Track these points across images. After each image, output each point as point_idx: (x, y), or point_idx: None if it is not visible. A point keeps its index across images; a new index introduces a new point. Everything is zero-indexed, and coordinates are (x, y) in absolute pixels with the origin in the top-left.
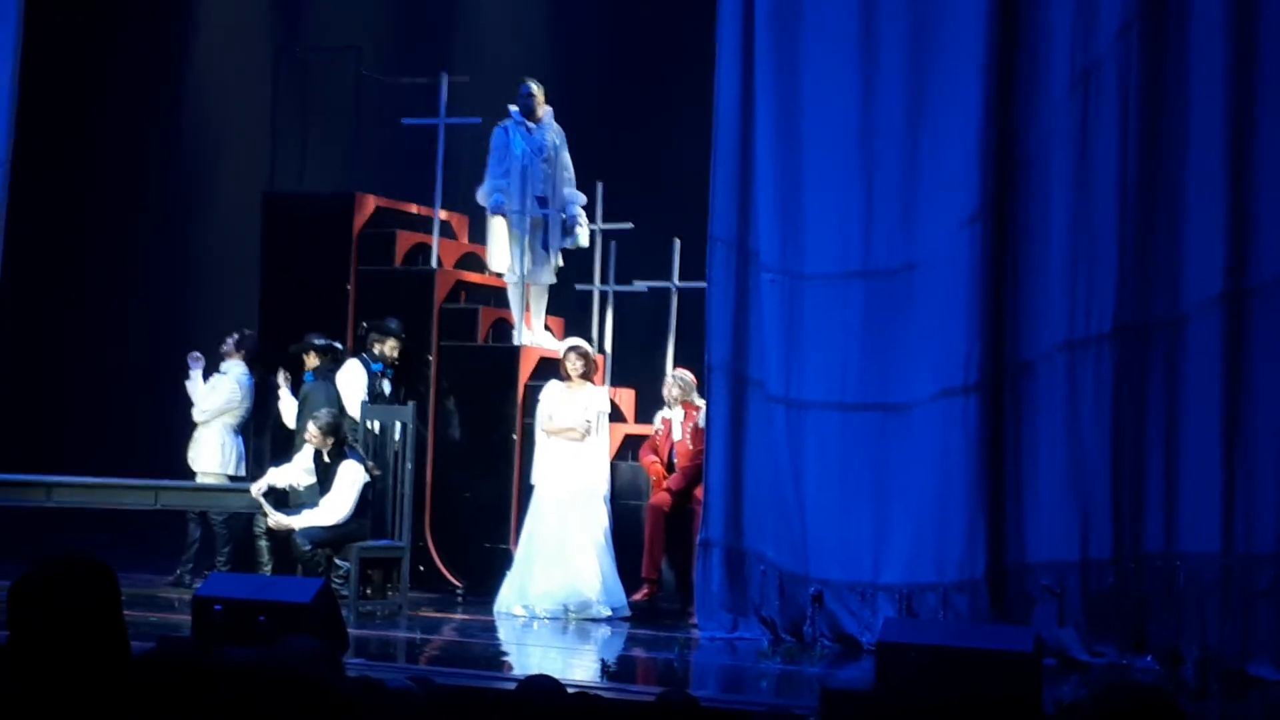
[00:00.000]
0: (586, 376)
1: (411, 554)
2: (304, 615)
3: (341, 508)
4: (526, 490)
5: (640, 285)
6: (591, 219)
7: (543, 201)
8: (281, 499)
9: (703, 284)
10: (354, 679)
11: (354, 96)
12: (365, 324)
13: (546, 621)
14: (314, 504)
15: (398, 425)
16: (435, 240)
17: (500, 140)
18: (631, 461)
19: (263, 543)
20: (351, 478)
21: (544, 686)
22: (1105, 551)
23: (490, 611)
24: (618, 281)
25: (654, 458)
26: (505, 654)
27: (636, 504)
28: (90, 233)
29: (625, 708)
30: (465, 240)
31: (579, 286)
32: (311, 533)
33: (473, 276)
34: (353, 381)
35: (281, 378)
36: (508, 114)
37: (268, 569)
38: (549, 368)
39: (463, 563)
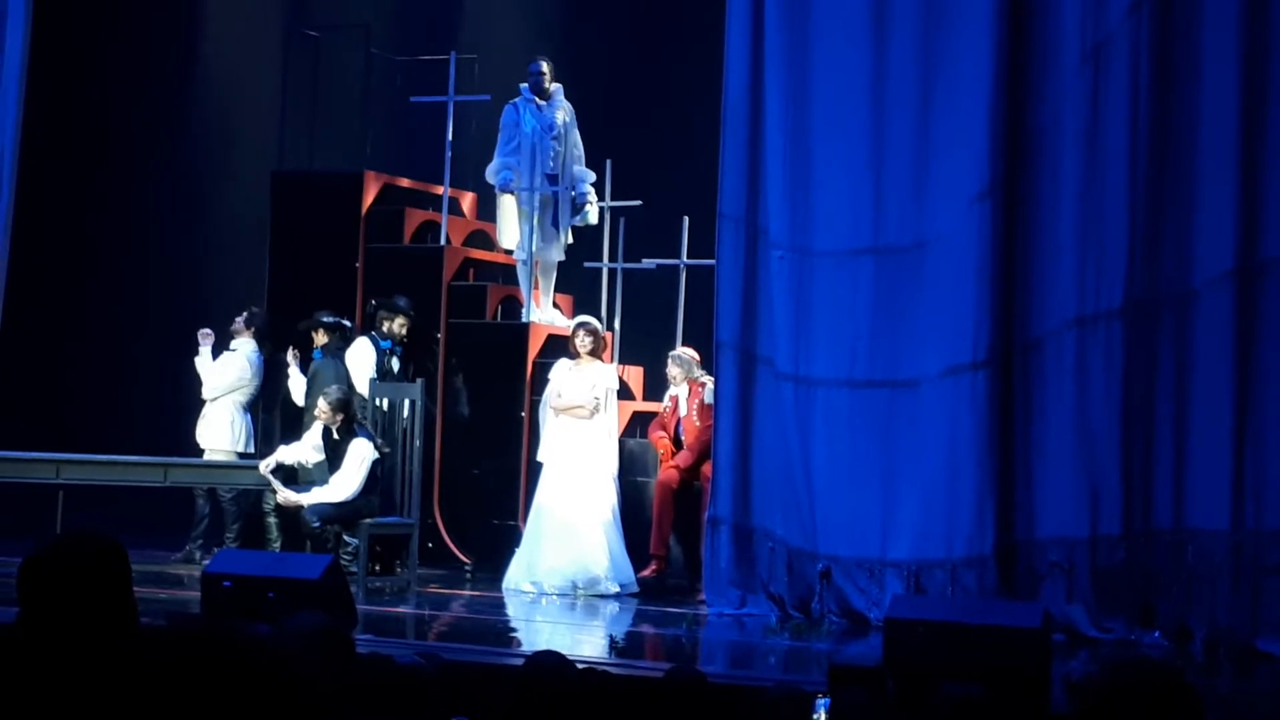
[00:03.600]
0: (595, 354)
1: (420, 531)
2: (313, 592)
3: (350, 485)
4: (535, 467)
5: (649, 263)
6: (600, 196)
7: (552, 179)
8: (290, 476)
9: (711, 261)
10: (363, 655)
11: (363, 75)
12: (374, 301)
13: (555, 598)
14: (323, 481)
15: (406, 403)
16: (444, 218)
17: (510, 118)
18: (640, 438)
19: (271, 519)
20: (360, 455)
21: (552, 662)
22: (1114, 527)
23: (498, 588)
24: (626, 259)
25: (662, 434)
26: (514, 630)
27: (645, 481)
28: (100, 211)
29: (633, 683)
30: (474, 218)
31: (588, 264)
32: (320, 509)
33: (481, 254)
34: (361, 359)
35: (290, 355)
36: (517, 92)
37: (276, 545)
38: (557, 345)
39: (471, 539)
